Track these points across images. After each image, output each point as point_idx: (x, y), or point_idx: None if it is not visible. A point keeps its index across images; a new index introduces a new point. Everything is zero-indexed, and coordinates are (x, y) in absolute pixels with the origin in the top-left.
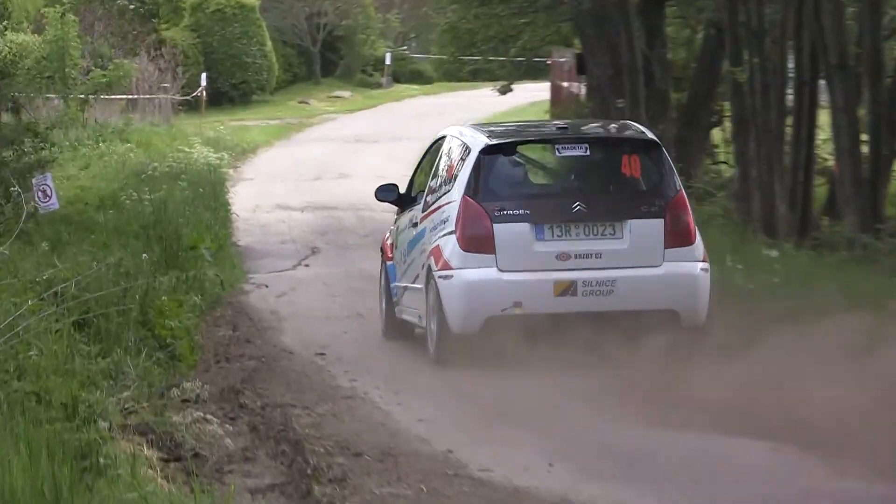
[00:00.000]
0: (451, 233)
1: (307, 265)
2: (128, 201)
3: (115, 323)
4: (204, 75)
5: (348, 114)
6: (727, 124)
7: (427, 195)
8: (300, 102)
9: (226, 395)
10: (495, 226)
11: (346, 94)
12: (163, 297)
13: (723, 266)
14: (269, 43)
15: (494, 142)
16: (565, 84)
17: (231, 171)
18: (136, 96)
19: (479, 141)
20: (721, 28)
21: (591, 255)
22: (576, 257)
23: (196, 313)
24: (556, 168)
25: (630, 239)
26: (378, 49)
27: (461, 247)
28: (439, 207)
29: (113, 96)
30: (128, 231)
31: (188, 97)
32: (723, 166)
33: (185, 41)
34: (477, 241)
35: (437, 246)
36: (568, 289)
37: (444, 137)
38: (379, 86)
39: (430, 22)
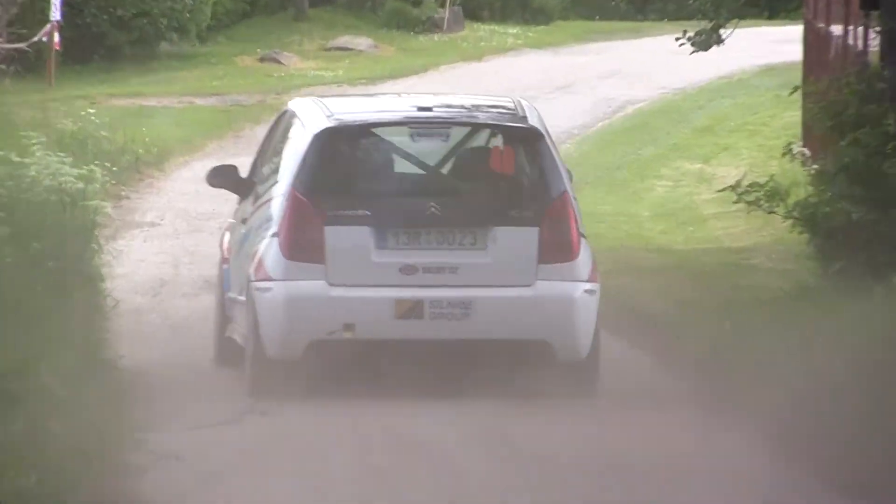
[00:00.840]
0: (274, 235)
1: (264, 412)
2: None
3: None
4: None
5: (365, 85)
6: None
7: (259, 184)
8: (263, 60)
9: None
10: (327, 229)
11: (362, 42)
12: None
13: None
14: None
15: (334, 123)
16: (835, 30)
17: (110, 208)
18: None
19: (317, 121)
20: None
21: (445, 269)
22: (424, 271)
23: None
24: (410, 160)
25: (495, 251)
26: None
27: (284, 253)
28: (267, 202)
29: None
30: None
31: (21, 46)
32: None
33: None
34: (303, 248)
35: (258, 250)
36: (412, 310)
37: (286, 112)
38: (434, 27)
39: None
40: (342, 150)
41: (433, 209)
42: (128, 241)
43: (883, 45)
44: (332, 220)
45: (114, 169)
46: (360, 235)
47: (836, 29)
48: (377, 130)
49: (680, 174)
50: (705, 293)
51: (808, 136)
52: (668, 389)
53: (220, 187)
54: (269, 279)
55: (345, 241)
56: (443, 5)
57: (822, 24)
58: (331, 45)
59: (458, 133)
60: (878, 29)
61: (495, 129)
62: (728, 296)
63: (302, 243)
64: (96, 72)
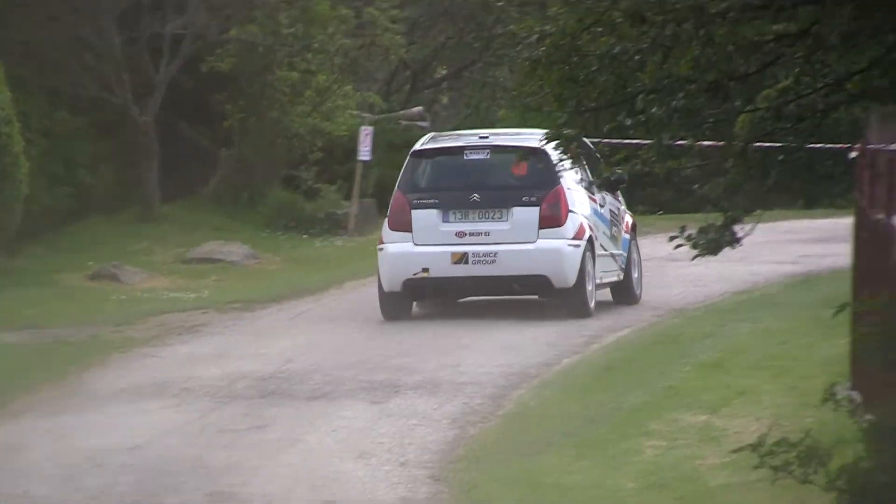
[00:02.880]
0: (387, 217)
1: None
2: None
3: None
4: None
5: (240, 311)
6: None
7: None
8: (96, 278)
9: None
10: (413, 211)
11: (234, 250)
12: None
13: None
14: None
15: (421, 147)
16: None
17: None
18: None
19: (415, 147)
20: None
21: (482, 233)
22: (470, 235)
23: None
24: (464, 168)
25: (512, 222)
26: (338, 118)
27: (389, 226)
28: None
29: None
30: None
31: None
32: None
33: None
34: (399, 223)
35: (383, 227)
36: (461, 259)
37: None
38: (337, 227)
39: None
40: (426, 163)
41: (476, 198)
42: None
43: None
44: (417, 206)
45: None
46: (432, 215)
47: None
48: (446, 151)
49: (677, 430)
50: None
51: (859, 374)
52: None
53: None
54: (383, 242)
55: (423, 218)
56: (349, 198)
57: (882, 216)
58: (192, 254)
59: (494, 152)
60: None
61: (516, 149)
62: None
63: (399, 221)
64: None
